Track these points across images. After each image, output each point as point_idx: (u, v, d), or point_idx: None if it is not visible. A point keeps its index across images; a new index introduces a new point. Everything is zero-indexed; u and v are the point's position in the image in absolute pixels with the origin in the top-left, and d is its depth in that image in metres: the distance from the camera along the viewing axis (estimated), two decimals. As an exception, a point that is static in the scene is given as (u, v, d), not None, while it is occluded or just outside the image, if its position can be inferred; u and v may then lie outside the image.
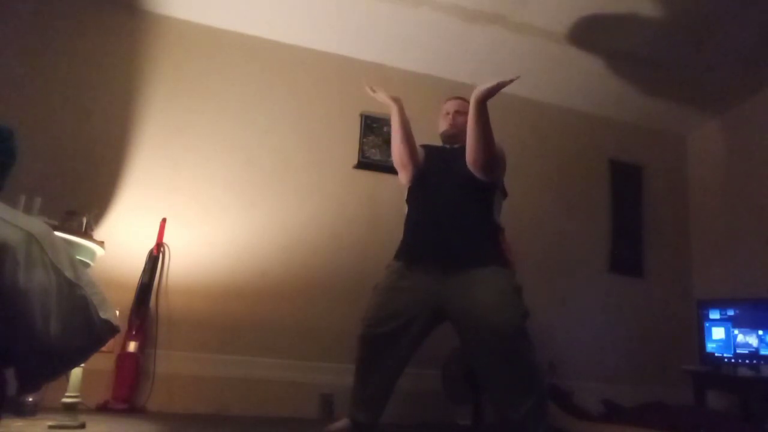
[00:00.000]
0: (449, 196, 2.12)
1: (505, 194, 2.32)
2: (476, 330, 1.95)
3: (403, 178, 2.27)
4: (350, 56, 3.45)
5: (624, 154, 3.95)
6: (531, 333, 2.00)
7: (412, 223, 2.23)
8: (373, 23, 3.14)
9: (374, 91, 2.26)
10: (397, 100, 2.21)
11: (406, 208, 2.30)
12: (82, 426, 1.97)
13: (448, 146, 2.31)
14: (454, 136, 2.27)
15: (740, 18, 2.89)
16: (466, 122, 2.08)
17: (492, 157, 2.04)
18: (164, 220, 2.89)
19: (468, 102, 2.25)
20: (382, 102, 2.25)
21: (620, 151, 3.95)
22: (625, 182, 3.90)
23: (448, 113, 2.34)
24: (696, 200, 4.01)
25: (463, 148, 2.10)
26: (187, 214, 2.96)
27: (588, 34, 3.10)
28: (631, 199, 3.88)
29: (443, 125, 2.33)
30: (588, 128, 3.93)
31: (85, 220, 2.44)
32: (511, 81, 1.88)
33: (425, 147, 2.34)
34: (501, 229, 2.25)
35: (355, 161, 3.32)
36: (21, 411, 2.13)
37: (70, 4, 3.04)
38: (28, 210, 2.18)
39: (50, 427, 1.93)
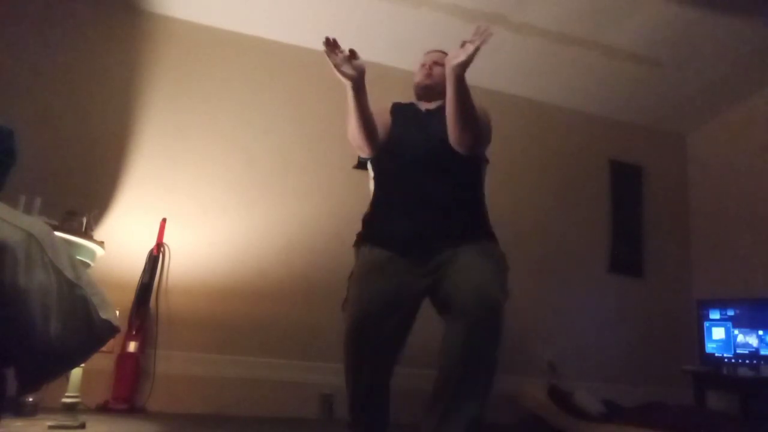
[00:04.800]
0: (430, 168, 1.81)
1: (486, 161, 2.00)
2: (462, 304, 1.61)
3: (362, 155, 1.94)
4: (350, 56, 3.44)
5: (624, 154, 3.95)
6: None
7: (386, 201, 1.88)
8: (373, 23, 3.14)
9: (337, 64, 1.82)
10: (355, 79, 1.83)
11: (371, 183, 1.99)
12: (82, 426, 1.97)
13: (423, 109, 2.01)
14: (430, 87, 1.99)
15: (740, 17, 2.89)
16: (443, 74, 1.78)
17: (478, 136, 1.78)
18: (164, 220, 2.89)
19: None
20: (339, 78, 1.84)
21: (620, 151, 3.95)
22: (625, 182, 3.90)
23: (424, 64, 2.05)
24: (696, 200, 4.01)
25: (441, 110, 1.82)
26: (187, 214, 2.97)
27: (588, 34, 3.10)
28: (631, 199, 3.88)
29: (418, 76, 2.05)
30: (588, 128, 3.93)
31: (85, 220, 2.44)
32: (486, 39, 1.61)
33: (395, 108, 2.02)
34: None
35: (355, 161, 3.31)
36: (21, 411, 2.13)
37: (70, 4, 3.04)
38: (28, 210, 2.19)
39: (50, 427, 1.93)
